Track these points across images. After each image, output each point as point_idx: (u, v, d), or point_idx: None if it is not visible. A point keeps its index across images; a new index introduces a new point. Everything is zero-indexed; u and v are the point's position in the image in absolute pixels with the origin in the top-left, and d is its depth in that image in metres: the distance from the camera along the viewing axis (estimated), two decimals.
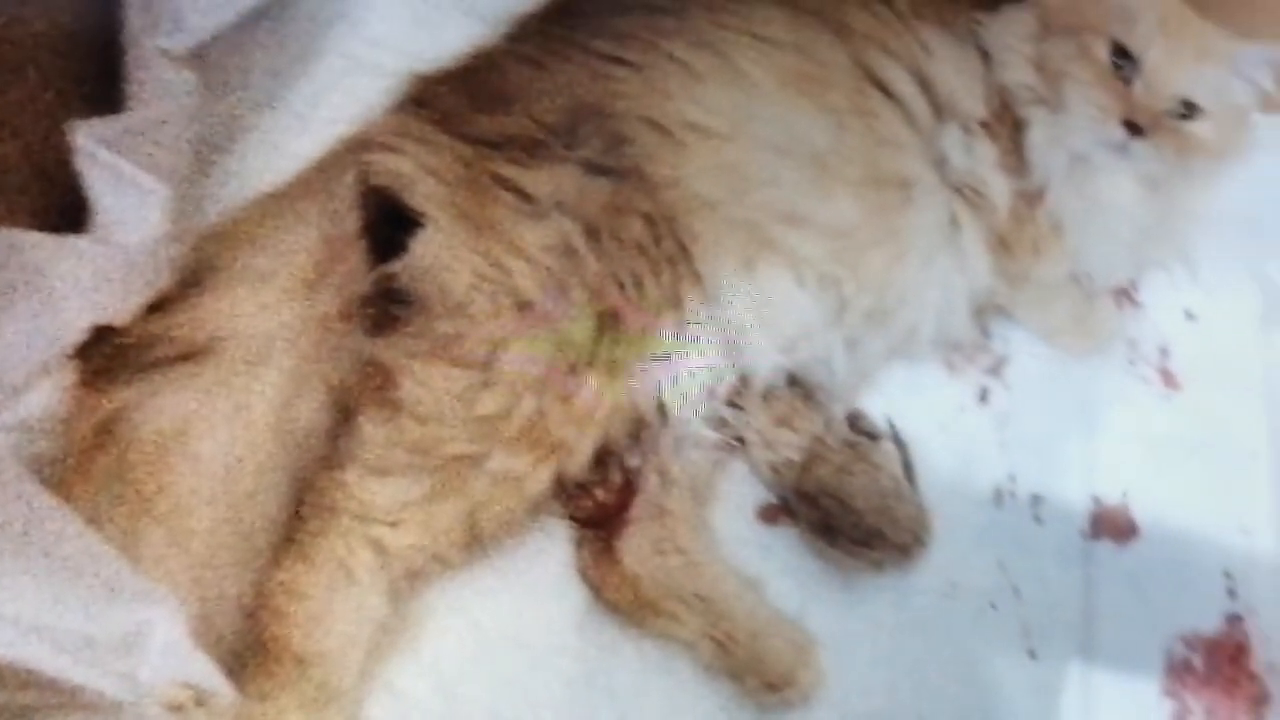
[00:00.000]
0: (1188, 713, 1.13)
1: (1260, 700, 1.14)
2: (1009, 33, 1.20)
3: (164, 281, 1.00)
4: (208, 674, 0.87)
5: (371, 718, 1.01)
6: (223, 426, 0.95)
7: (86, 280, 0.94)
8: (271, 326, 0.99)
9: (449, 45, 1.15)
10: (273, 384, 0.98)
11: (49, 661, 0.79)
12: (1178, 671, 1.15)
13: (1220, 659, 1.16)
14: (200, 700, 0.86)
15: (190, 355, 0.96)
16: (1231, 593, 1.20)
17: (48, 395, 0.92)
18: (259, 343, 0.98)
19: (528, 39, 1.14)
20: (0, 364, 0.89)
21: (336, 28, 1.39)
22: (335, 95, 1.31)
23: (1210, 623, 1.18)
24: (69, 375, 0.94)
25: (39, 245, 0.90)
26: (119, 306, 0.96)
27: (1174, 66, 1.15)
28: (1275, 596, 1.20)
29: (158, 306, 0.98)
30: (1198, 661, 1.15)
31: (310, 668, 0.94)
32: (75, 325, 0.94)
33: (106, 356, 0.95)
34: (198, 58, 1.09)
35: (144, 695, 0.83)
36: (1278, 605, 1.19)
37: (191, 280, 1.00)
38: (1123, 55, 1.15)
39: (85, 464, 0.91)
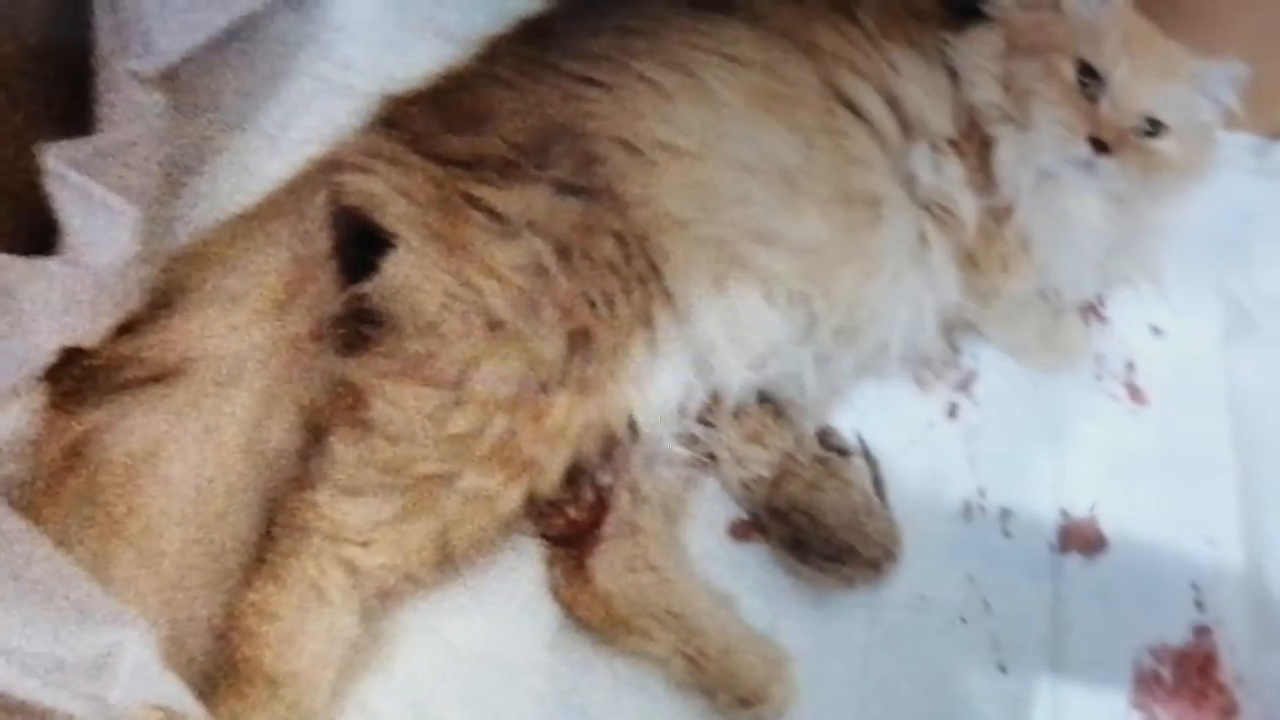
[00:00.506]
0: None
1: (1229, 712, 1.15)
2: (976, 52, 1.21)
3: (134, 303, 1.00)
4: (178, 696, 0.86)
5: None
6: (193, 448, 0.95)
7: (56, 302, 0.94)
8: (242, 347, 0.99)
9: (419, 67, 1.16)
10: (243, 405, 0.98)
11: (18, 684, 0.78)
12: (1146, 683, 1.15)
13: (1188, 670, 1.16)
14: None
15: (160, 377, 0.96)
16: (1199, 604, 1.20)
17: (17, 417, 0.92)
18: (229, 364, 0.98)
19: (499, 60, 1.14)
20: None
21: (307, 49, 1.39)
22: (306, 117, 1.30)
23: (1178, 634, 1.18)
24: (38, 397, 0.93)
25: (8, 267, 0.90)
26: (89, 328, 0.96)
27: (1140, 85, 1.16)
28: (1242, 608, 1.20)
29: (128, 328, 0.98)
30: (1166, 673, 1.16)
31: (282, 688, 0.94)
32: (45, 348, 0.94)
33: (76, 379, 0.95)
34: (168, 79, 1.09)
35: (114, 718, 0.83)
36: (1245, 617, 1.20)
37: (162, 302, 1.00)
38: (1089, 74, 1.16)
39: (55, 486, 0.91)
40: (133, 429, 0.93)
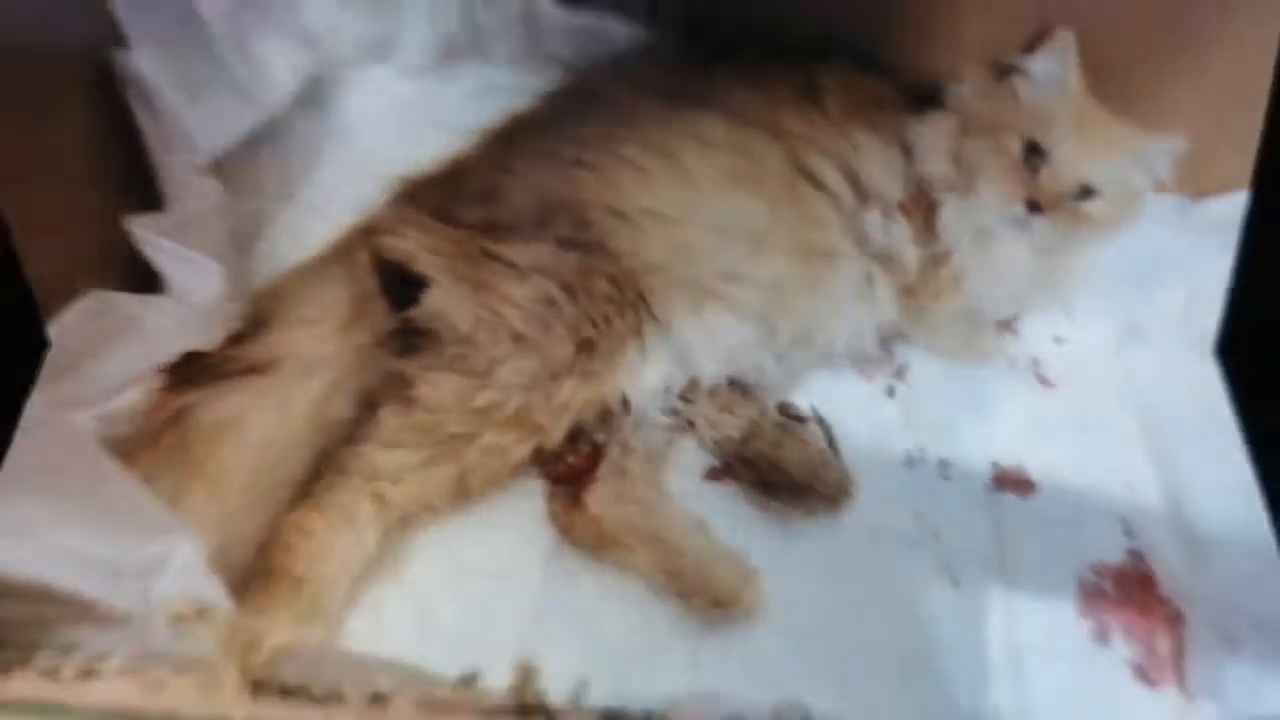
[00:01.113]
0: (1108, 630, 1.17)
1: (1175, 621, 1.18)
2: (933, 135, 1.31)
3: (234, 324, 1.13)
4: (215, 593, 0.95)
5: (352, 629, 1.07)
6: (270, 417, 1.08)
7: (173, 327, 1.07)
8: (321, 351, 1.13)
9: (428, 154, 1.28)
10: (315, 388, 1.12)
11: (80, 584, 0.89)
12: (1091, 595, 1.19)
13: (1129, 585, 1.20)
14: (201, 613, 0.95)
15: (255, 369, 1.10)
16: (1129, 534, 1.25)
17: (133, 397, 1.04)
18: (310, 361, 1.12)
19: (499, 148, 1.28)
20: (102, 382, 1.02)
21: (330, 142, 1.51)
22: (341, 191, 1.38)
23: (1115, 556, 1.23)
24: (154, 382, 1.06)
25: (131, 302, 1.05)
26: (201, 342, 1.09)
27: (1081, 160, 1.25)
28: (1171, 543, 1.25)
29: (234, 339, 1.12)
30: (1109, 587, 1.20)
31: (305, 586, 1.03)
32: (167, 355, 1.07)
33: (189, 367, 1.08)
34: (217, 166, 1.20)
35: (152, 608, 0.92)
36: (1174, 545, 1.24)
37: (258, 322, 1.14)
38: (1035, 150, 1.25)
39: (152, 440, 1.03)
40: (224, 404, 1.06)
